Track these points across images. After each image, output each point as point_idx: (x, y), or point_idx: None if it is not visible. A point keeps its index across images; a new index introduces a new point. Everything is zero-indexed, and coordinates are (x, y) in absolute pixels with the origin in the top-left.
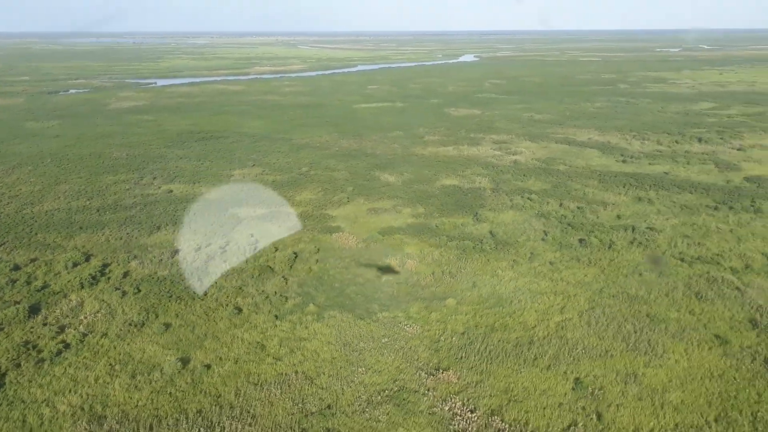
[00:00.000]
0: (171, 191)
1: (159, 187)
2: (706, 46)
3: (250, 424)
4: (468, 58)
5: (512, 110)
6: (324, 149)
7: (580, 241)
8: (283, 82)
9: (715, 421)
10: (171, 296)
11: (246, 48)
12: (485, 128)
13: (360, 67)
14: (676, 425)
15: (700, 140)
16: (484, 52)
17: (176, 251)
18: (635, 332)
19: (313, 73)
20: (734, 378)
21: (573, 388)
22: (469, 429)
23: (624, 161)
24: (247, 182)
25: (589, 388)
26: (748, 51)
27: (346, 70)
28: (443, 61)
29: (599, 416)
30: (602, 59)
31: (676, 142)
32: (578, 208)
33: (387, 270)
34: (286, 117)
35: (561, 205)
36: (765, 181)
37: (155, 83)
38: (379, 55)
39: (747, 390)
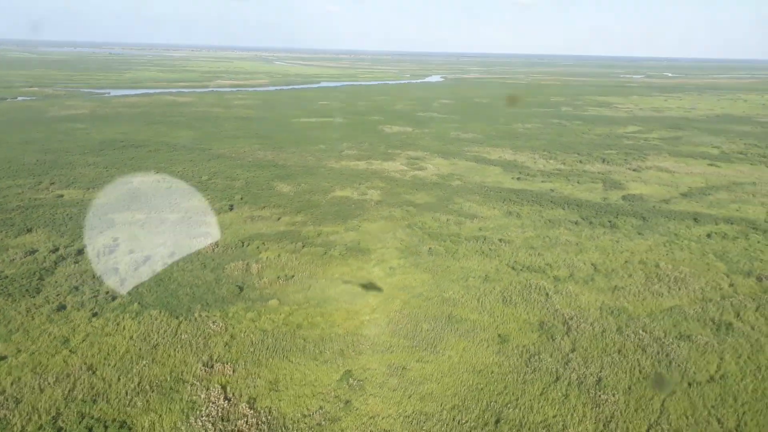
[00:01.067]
0: (62, 196)
1: (51, 192)
2: (669, 74)
3: (11, 409)
4: (434, 78)
5: (443, 129)
6: (237, 159)
7: (429, 249)
8: (237, 96)
9: (451, 409)
10: (3, 293)
11: (221, 62)
12: (407, 144)
13: (323, 84)
14: (413, 412)
15: (603, 161)
16: (453, 73)
17: (32, 251)
18: (427, 331)
19: (273, 88)
20: (492, 372)
21: (339, 380)
22: (214, 414)
23: (519, 179)
24: (143, 189)
25: (353, 380)
26: (707, 79)
27: (307, 86)
28: (407, 81)
29: (346, 403)
30: (562, 83)
31: (580, 162)
32: (447, 220)
33: (229, 273)
34: (218, 128)
35: (433, 217)
36: (639, 199)
37: (108, 93)
38: (347, 73)
39: (496, 383)
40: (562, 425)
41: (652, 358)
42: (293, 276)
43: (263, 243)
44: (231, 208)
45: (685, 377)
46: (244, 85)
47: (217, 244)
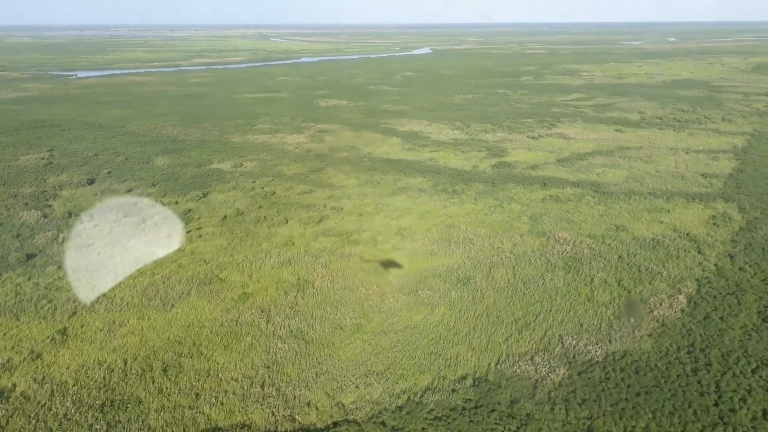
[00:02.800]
0: None
1: None
2: (672, 39)
3: None
4: (422, 50)
5: (380, 102)
6: (141, 136)
7: (254, 217)
8: (199, 74)
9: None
10: None
11: (215, 40)
12: (329, 118)
13: (303, 59)
14: None
15: (510, 129)
16: (446, 44)
17: None
18: (180, 291)
19: (244, 65)
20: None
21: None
22: None
23: (409, 149)
24: (22, 165)
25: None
26: (706, 44)
27: (284, 62)
28: (391, 54)
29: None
30: (548, 52)
31: (485, 131)
32: (302, 190)
33: (35, 241)
34: (152, 107)
35: (288, 187)
36: (507, 166)
37: (75, 75)
38: (336, 48)
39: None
40: None
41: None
42: (91, 245)
43: (91, 215)
44: (90, 182)
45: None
46: (219, 63)
47: (45, 215)
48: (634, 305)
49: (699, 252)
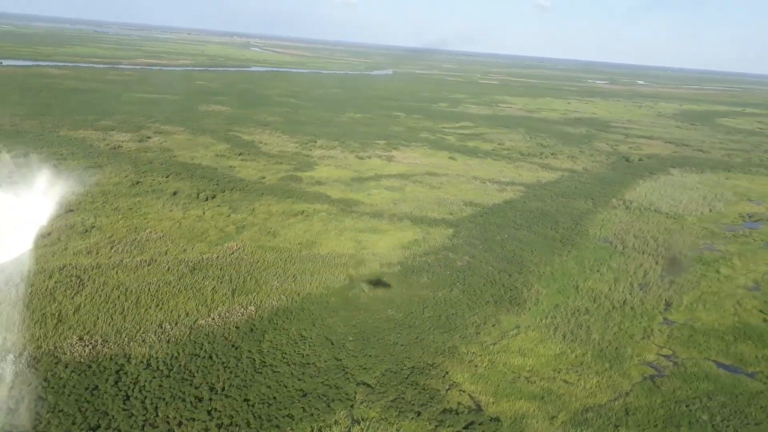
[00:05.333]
0: None
1: None
2: (641, 82)
3: None
4: (384, 71)
5: (262, 112)
6: None
7: None
8: (123, 72)
9: None
10: None
11: (187, 44)
12: (186, 120)
13: (253, 68)
14: None
15: (350, 148)
16: (417, 68)
17: None
18: None
19: (182, 69)
20: None
21: None
22: None
23: (223, 156)
24: None
25: None
26: (665, 89)
27: (225, 69)
28: (348, 72)
29: None
30: (500, 83)
31: (322, 147)
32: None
33: None
34: (23, 99)
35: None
36: (296, 180)
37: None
38: (298, 61)
39: None
40: None
41: None
42: None
43: None
44: None
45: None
46: (159, 64)
47: None
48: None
49: (347, 275)
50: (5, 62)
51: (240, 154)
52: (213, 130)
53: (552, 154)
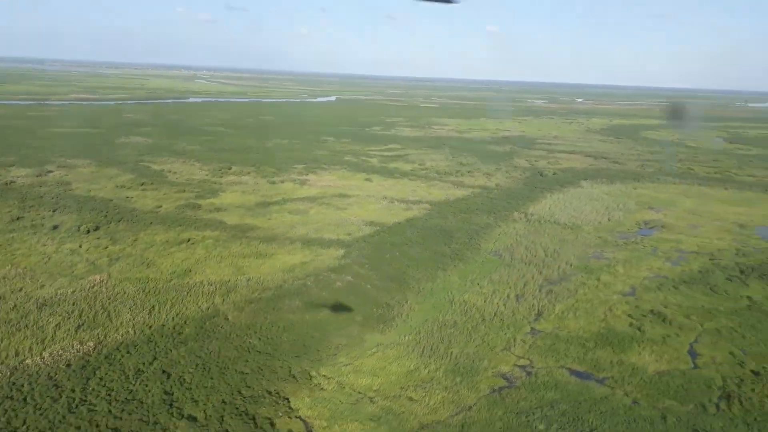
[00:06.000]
0: None
1: None
2: (580, 100)
3: None
4: (327, 98)
5: (185, 141)
6: None
7: None
8: (49, 108)
9: None
10: None
11: (130, 78)
12: (88, 154)
13: (190, 99)
14: None
15: (263, 173)
16: (362, 94)
17: None
18: None
19: (122, 102)
20: None
21: None
22: None
23: (123, 187)
24: None
25: None
26: (599, 105)
27: (161, 101)
28: (290, 100)
29: None
30: (440, 106)
31: (234, 173)
32: None
33: None
34: None
35: None
36: (195, 207)
37: None
38: (241, 91)
39: None
40: None
41: None
42: None
43: None
44: None
45: None
46: (94, 99)
47: None
48: None
49: (211, 303)
50: None
51: (142, 185)
52: (123, 161)
53: (468, 172)
